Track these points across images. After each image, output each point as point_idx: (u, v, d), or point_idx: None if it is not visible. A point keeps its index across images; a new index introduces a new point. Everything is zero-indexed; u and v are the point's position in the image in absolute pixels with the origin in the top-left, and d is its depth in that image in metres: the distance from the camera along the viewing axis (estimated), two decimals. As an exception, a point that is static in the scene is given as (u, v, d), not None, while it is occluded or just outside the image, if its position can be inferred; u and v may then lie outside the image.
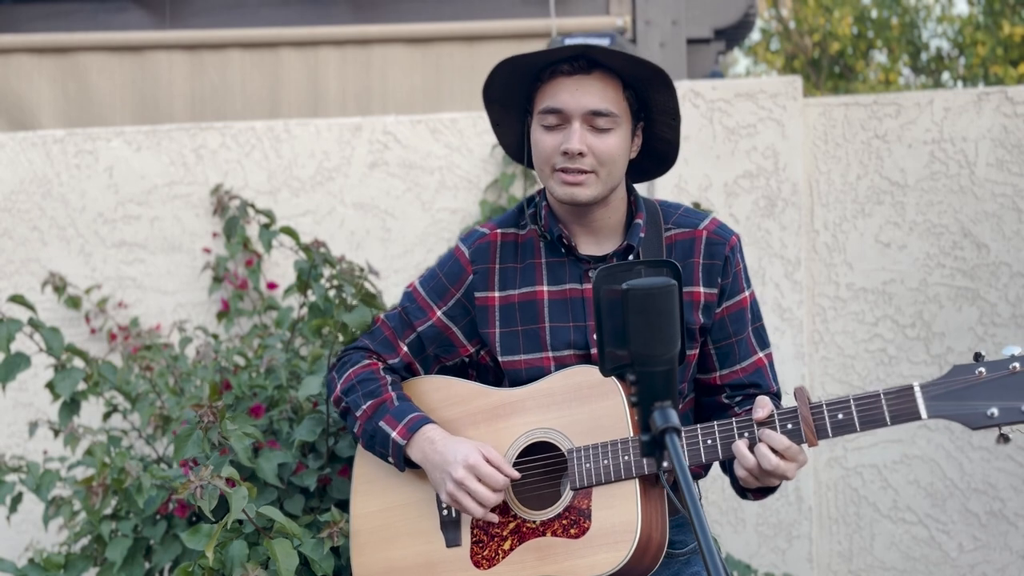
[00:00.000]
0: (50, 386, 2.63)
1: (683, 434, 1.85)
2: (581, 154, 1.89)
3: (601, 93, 1.89)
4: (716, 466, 2.13)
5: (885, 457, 3.49)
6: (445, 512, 2.00)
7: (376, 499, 2.09)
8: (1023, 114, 3.44)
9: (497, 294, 2.04)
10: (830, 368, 3.50)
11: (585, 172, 1.90)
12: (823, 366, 3.51)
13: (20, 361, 2.58)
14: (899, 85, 14.09)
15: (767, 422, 1.81)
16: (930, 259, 3.48)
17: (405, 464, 2.00)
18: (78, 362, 2.69)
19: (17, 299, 2.56)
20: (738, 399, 2.05)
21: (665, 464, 1.74)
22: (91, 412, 3.28)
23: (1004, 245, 3.45)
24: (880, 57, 14.66)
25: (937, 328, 3.48)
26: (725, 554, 3.26)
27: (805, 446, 1.81)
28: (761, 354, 2.06)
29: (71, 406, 2.67)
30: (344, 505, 2.35)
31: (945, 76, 14.23)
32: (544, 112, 1.91)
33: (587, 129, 1.89)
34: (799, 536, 3.45)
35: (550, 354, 1.99)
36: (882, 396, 1.76)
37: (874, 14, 14.11)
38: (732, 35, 5.07)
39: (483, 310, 2.04)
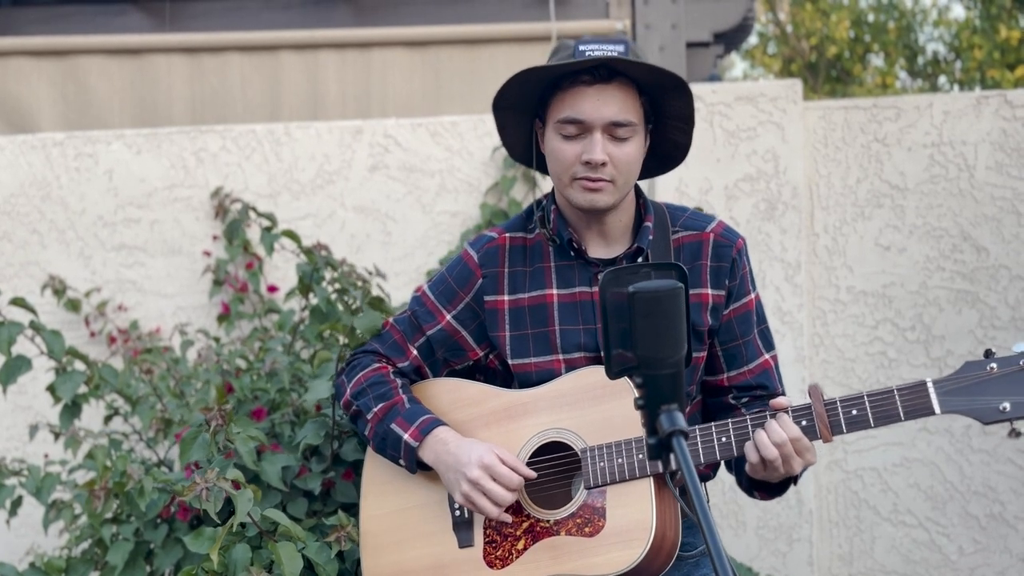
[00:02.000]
0: (51, 389, 2.63)
1: (698, 432, 1.87)
2: (603, 164, 1.90)
3: (621, 103, 1.90)
4: (720, 468, 2.14)
5: (885, 460, 3.49)
6: (457, 513, 2.00)
7: (387, 501, 2.09)
8: (1022, 118, 3.45)
9: (507, 297, 2.04)
10: (830, 371, 3.51)
11: (605, 180, 1.91)
12: (823, 369, 3.51)
13: (21, 364, 2.57)
14: (896, 89, 14.11)
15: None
16: (930, 262, 3.49)
17: (417, 466, 2.00)
18: (79, 365, 2.68)
19: (18, 302, 2.56)
20: (744, 400, 2.06)
21: (673, 467, 1.75)
22: (92, 415, 3.28)
23: (1004, 248, 3.46)
24: (877, 61, 14.69)
25: (937, 331, 3.48)
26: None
27: (819, 442, 1.84)
28: (767, 355, 2.07)
29: (72, 409, 2.67)
30: (348, 509, 2.34)
31: (942, 80, 14.27)
32: (563, 122, 1.92)
33: (607, 138, 1.90)
34: (799, 539, 3.45)
35: (560, 357, 2.00)
36: (896, 392, 1.79)
37: (871, 18, 14.15)
38: (731, 39, 5.08)
39: (492, 314, 2.05)
